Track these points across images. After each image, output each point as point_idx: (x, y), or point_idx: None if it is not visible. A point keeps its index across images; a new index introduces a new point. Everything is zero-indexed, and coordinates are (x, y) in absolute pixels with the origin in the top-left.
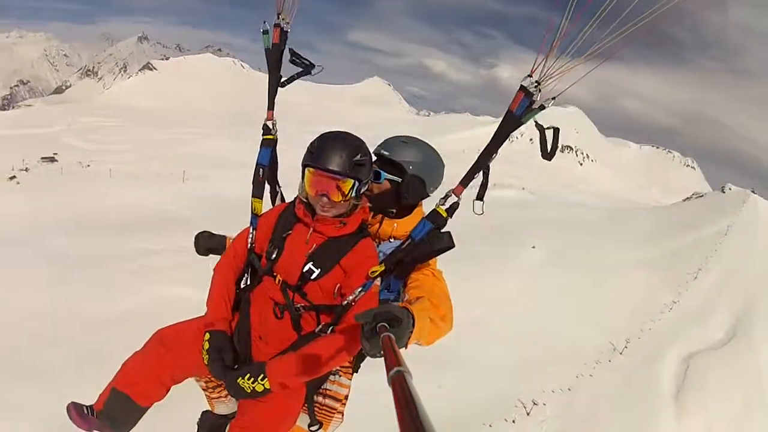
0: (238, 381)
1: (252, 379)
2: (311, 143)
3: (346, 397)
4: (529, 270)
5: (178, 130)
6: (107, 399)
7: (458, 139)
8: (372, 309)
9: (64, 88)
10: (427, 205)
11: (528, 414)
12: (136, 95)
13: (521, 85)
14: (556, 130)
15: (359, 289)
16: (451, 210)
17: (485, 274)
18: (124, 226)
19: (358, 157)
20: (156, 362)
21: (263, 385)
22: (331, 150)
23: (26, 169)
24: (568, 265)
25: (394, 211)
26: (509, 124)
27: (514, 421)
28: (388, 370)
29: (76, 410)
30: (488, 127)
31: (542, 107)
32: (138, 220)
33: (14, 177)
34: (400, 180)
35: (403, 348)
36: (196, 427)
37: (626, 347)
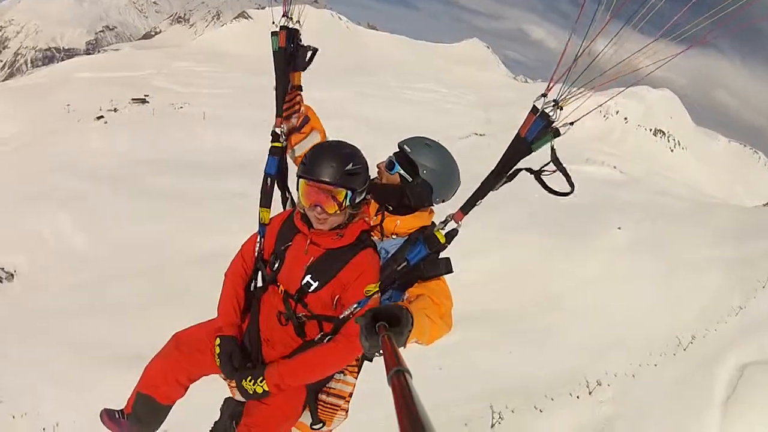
0: (242, 383)
1: (253, 381)
2: (306, 154)
3: (351, 395)
4: (612, 251)
5: (269, 79)
6: (134, 402)
7: (608, 101)
8: (371, 309)
9: (153, 33)
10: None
11: (590, 393)
12: (230, 42)
13: (533, 106)
14: (554, 157)
15: (355, 305)
16: (450, 236)
17: (568, 249)
18: (219, 168)
19: (351, 166)
20: (173, 365)
21: (262, 387)
22: (322, 160)
23: (115, 110)
24: (649, 251)
25: (392, 207)
26: (518, 151)
27: (578, 397)
28: (387, 369)
29: (108, 415)
30: (586, 100)
31: (557, 133)
32: (234, 163)
33: (102, 117)
34: (410, 179)
35: (403, 347)
36: (219, 411)
37: (691, 343)
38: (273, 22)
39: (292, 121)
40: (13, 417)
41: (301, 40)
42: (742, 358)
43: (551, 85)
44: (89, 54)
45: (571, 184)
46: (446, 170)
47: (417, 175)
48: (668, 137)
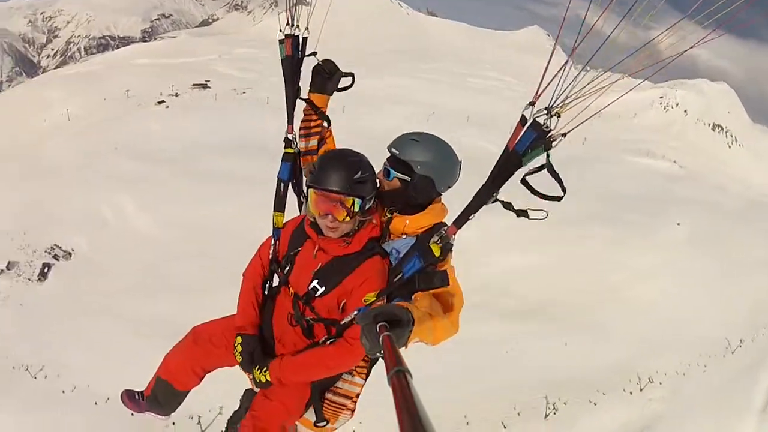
0: (254, 371)
1: (260, 370)
2: (313, 164)
3: (358, 396)
4: (670, 246)
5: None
6: (154, 386)
7: (614, 102)
8: (372, 309)
9: (210, 21)
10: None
11: (641, 390)
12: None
13: (522, 116)
14: (550, 167)
15: (355, 312)
16: (444, 250)
17: (628, 242)
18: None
19: (359, 174)
20: (190, 357)
21: (266, 376)
22: (330, 170)
23: (176, 95)
24: (705, 249)
25: (397, 207)
26: (508, 165)
27: (631, 393)
28: (388, 370)
29: (128, 396)
30: (645, 92)
31: (548, 146)
32: None
33: (163, 102)
34: (408, 179)
35: (403, 348)
36: (239, 402)
37: (739, 347)
38: (280, 30)
39: (311, 142)
40: (63, 392)
41: (312, 50)
42: None
43: (540, 92)
44: (145, 41)
45: (563, 189)
46: (439, 157)
47: (413, 172)
48: (726, 133)
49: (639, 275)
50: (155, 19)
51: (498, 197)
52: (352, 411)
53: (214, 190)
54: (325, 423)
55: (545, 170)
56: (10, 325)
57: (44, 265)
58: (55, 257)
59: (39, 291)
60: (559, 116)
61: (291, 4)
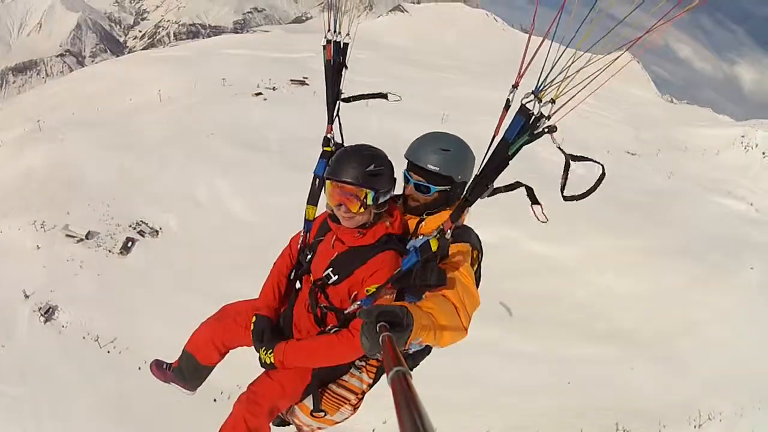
0: (260, 351)
1: (265, 351)
2: (331, 157)
3: (364, 393)
4: (744, 290)
5: (434, 72)
6: (180, 358)
7: (700, 135)
8: (375, 308)
9: (304, 18)
10: None
11: (698, 427)
12: (386, 33)
13: (506, 100)
14: (567, 161)
15: (359, 303)
16: (441, 244)
17: (707, 281)
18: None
19: (372, 167)
20: (213, 332)
21: (270, 358)
22: (345, 162)
23: (273, 89)
24: None
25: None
26: (497, 154)
27: (698, 426)
28: (387, 370)
29: (156, 365)
30: (728, 129)
31: (539, 132)
32: (396, 149)
33: (260, 93)
34: (449, 188)
35: (403, 348)
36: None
37: None
38: (325, 36)
39: None
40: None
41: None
42: None
43: (522, 71)
44: (237, 33)
45: (602, 172)
46: (470, 160)
47: (454, 182)
48: None
49: (714, 315)
50: (247, 12)
51: (496, 187)
52: (355, 407)
53: (306, 182)
54: (323, 413)
55: (570, 165)
56: (85, 294)
57: (128, 239)
58: (141, 233)
59: (119, 264)
60: (553, 102)
61: (335, 12)
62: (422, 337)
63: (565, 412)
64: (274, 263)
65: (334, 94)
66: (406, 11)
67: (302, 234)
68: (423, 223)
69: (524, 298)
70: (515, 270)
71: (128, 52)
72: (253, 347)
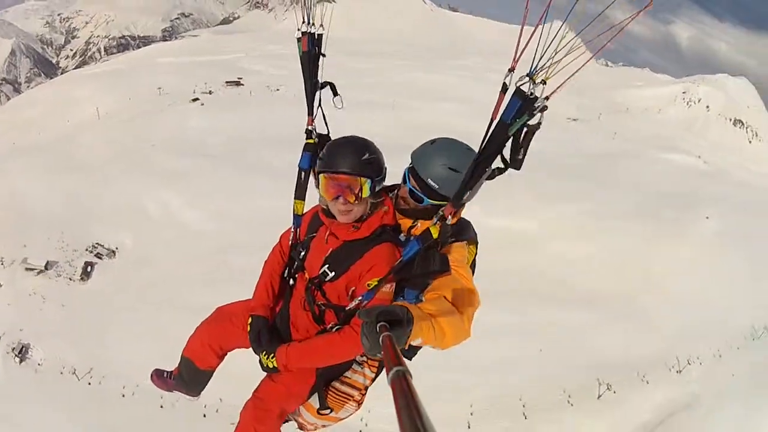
0: (260, 355)
1: (266, 356)
2: (321, 151)
3: (367, 388)
4: (701, 240)
5: (369, 60)
6: (179, 364)
7: (640, 96)
8: (375, 307)
9: (231, 19)
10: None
11: (679, 372)
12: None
13: (503, 84)
14: (534, 129)
15: (359, 298)
16: (443, 231)
17: (662, 235)
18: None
19: (366, 156)
20: (209, 334)
21: (272, 362)
22: (339, 153)
23: (210, 92)
24: (734, 242)
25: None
26: (496, 136)
27: (678, 372)
28: (388, 369)
29: (157, 375)
30: (668, 87)
31: (536, 110)
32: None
33: (197, 99)
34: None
35: (403, 348)
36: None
37: (766, 331)
38: (298, 29)
39: None
40: (123, 395)
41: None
42: None
43: (517, 56)
44: (166, 41)
45: (519, 166)
46: (459, 172)
47: (431, 191)
48: (746, 128)
49: (674, 267)
50: (175, 18)
51: (494, 169)
52: (359, 403)
53: (260, 184)
54: (328, 411)
55: (523, 137)
56: (53, 326)
57: (86, 264)
58: (98, 255)
59: (82, 291)
60: (544, 83)
61: (308, 3)
62: (422, 338)
63: (546, 377)
64: (266, 261)
65: (312, 85)
66: (333, 1)
67: (292, 230)
68: (417, 224)
69: (490, 273)
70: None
71: (61, 73)
72: (250, 349)
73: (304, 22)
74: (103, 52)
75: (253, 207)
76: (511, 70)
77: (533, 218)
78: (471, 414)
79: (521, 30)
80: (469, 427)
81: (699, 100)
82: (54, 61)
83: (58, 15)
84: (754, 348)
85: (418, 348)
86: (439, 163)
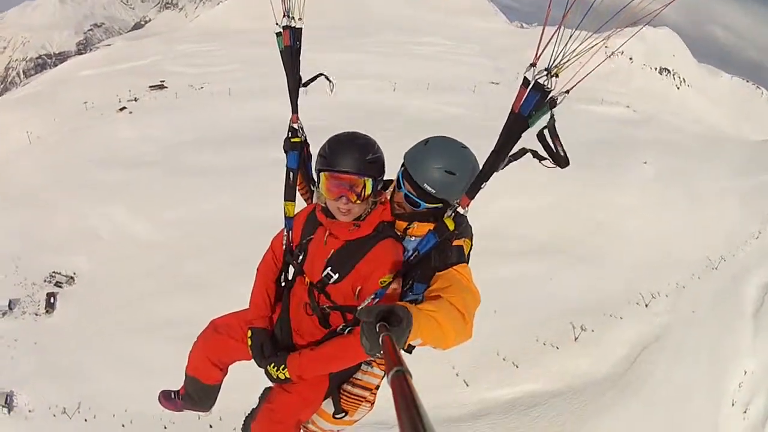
0: (267, 368)
1: (276, 367)
2: (322, 148)
3: (377, 387)
4: (643, 182)
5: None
6: (185, 383)
7: (607, 59)
8: (374, 307)
9: (143, 23)
10: None
11: (647, 306)
12: (229, 20)
13: (524, 78)
14: (552, 125)
15: (371, 296)
16: (458, 222)
17: (605, 182)
18: (257, 138)
19: (371, 155)
20: (209, 349)
21: (284, 374)
22: (343, 151)
23: (135, 99)
24: (674, 183)
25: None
26: (515, 128)
27: (646, 305)
28: (387, 369)
29: (164, 396)
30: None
31: (553, 104)
32: (270, 130)
33: (124, 108)
34: (441, 206)
35: (403, 348)
36: (258, 400)
37: (723, 261)
38: (276, 23)
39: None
40: (123, 425)
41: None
42: (765, 277)
43: (540, 52)
44: (81, 54)
45: (566, 160)
46: (471, 177)
47: (448, 203)
48: (673, 75)
49: (622, 209)
50: (88, 30)
51: (511, 157)
52: (372, 403)
53: (202, 185)
54: (343, 414)
55: (546, 131)
56: (30, 367)
57: (48, 295)
58: (58, 284)
59: (50, 324)
60: (557, 76)
61: None
62: (423, 338)
63: (518, 330)
64: (258, 269)
65: (295, 81)
66: None
67: (285, 233)
68: (414, 225)
69: None
70: None
71: None
72: (252, 361)
73: (284, 15)
74: (22, 76)
75: (199, 210)
76: (533, 65)
77: None
78: (456, 375)
79: (543, 28)
80: (467, 385)
81: (621, 53)
82: None
83: None
84: (713, 277)
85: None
86: (434, 166)
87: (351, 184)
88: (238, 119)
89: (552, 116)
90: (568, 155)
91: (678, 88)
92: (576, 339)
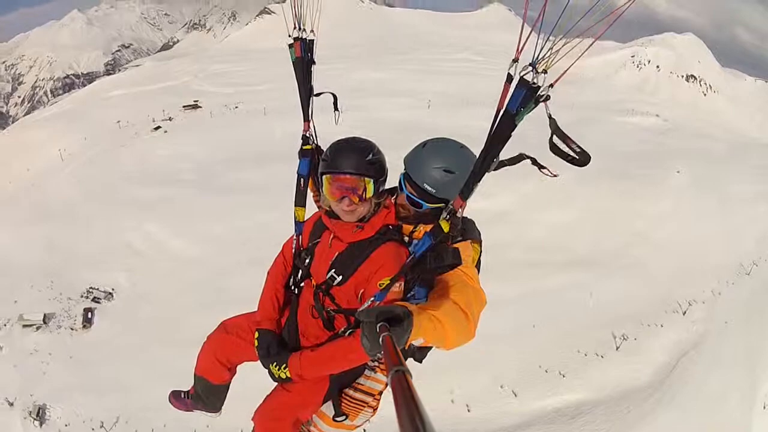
0: (270, 367)
1: (278, 366)
2: (324, 152)
3: (381, 393)
4: (676, 192)
5: (318, 65)
6: (194, 383)
7: (588, 64)
8: (375, 308)
9: (171, 44)
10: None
11: (684, 314)
12: (259, 39)
13: (508, 74)
14: (556, 127)
15: (371, 299)
16: (453, 224)
17: (639, 192)
18: (295, 156)
19: (370, 156)
20: (217, 349)
21: (285, 373)
22: (343, 154)
23: (170, 119)
24: (706, 189)
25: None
26: (502, 126)
27: (684, 313)
28: (388, 369)
29: (174, 396)
30: (616, 53)
31: (540, 98)
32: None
33: (159, 127)
34: (443, 205)
35: (403, 348)
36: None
37: (755, 266)
38: (289, 35)
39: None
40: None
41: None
42: None
43: (521, 46)
44: (110, 74)
45: (583, 153)
46: (455, 172)
47: (449, 202)
48: (699, 82)
49: (657, 220)
50: (116, 51)
51: (501, 160)
52: (375, 409)
53: (239, 202)
54: (343, 418)
55: (554, 136)
56: (65, 381)
57: (86, 310)
58: (95, 300)
59: (87, 339)
60: (545, 72)
61: (299, 8)
62: (424, 337)
63: (559, 340)
64: (268, 272)
65: (307, 91)
66: (273, 12)
67: (294, 237)
68: (419, 228)
69: (487, 249)
70: None
71: (12, 122)
72: (257, 361)
73: (295, 27)
74: (50, 95)
75: (237, 227)
76: (515, 60)
77: (509, 194)
78: (501, 387)
79: (523, 23)
80: (516, 395)
81: (648, 62)
82: (4, 110)
83: (2, 63)
84: (747, 282)
85: (428, 350)
86: (433, 166)
87: (352, 185)
88: (274, 137)
89: (551, 119)
90: (585, 150)
91: (705, 94)
92: (617, 348)
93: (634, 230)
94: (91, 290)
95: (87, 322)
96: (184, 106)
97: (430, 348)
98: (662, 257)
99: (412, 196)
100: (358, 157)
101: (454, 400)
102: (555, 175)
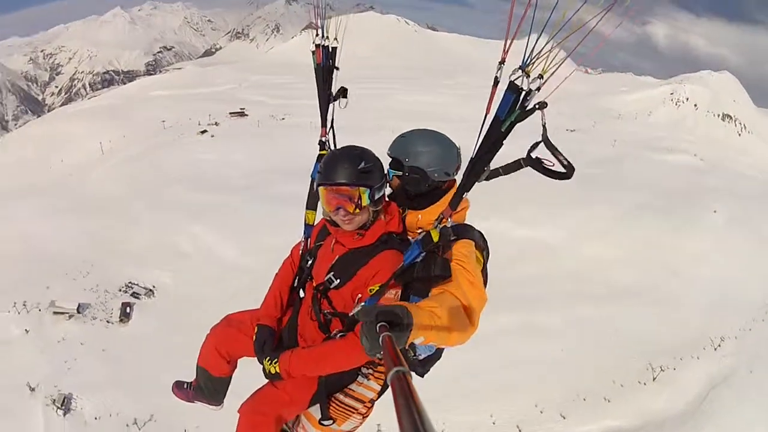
0: (263, 361)
1: (269, 361)
2: (320, 163)
3: (372, 401)
4: (714, 230)
5: (364, 85)
6: (196, 375)
7: (629, 100)
8: (374, 307)
9: (213, 50)
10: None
11: (715, 349)
12: (305, 53)
13: (495, 78)
14: (545, 138)
15: (363, 304)
16: (443, 234)
17: (677, 229)
18: None
19: (363, 165)
20: (218, 341)
21: (275, 368)
22: (335, 165)
23: (216, 123)
24: (743, 229)
25: (405, 204)
26: (491, 133)
27: (716, 348)
28: (388, 369)
29: (177, 386)
30: (655, 89)
31: (530, 109)
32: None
33: (205, 131)
34: (401, 173)
35: (403, 347)
36: None
37: None
38: (313, 42)
39: None
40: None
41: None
42: None
43: (507, 47)
44: (150, 74)
45: (569, 167)
46: (424, 147)
47: (403, 166)
48: (735, 121)
49: (693, 256)
50: (158, 52)
51: (495, 169)
52: (364, 416)
53: (288, 214)
54: (330, 422)
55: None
56: (96, 374)
57: (124, 305)
58: (135, 295)
59: (123, 334)
60: (542, 77)
61: (321, 16)
62: (425, 337)
63: (597, 371)
64: (276, 273)
65: (326, 97)
66: (320, 27)
67: (303, 240)
68: (419, 216)
69: (523, 281)
70: (504, 258)
71: (48, 110)
72: (254, 357)
73: (317, 35)
74: (88, 88)
75: (285, 239)
76: (502, 62)
77: (552, 226)
78: (541, 413)
79: (509, 23)
80: (564, 417)
81: (687, 99)
82: (40, 99)
83: (41, 51)
84: None
85: (435, 359)
86: (410, 143)
87: (346, 195)
88: (304, 152)
89: (544, 128)
90: (570, 162)
91: (739, 134)
92: (654, 379)
93: (672, 266)
94: (130, 285)
95: (125, 316)
96: (230, 113)
97: (434, 361)
98: (697, 293)
99: (392, 171)
100: (351, 166)
101: (498, 422)
102: (564, 177)
